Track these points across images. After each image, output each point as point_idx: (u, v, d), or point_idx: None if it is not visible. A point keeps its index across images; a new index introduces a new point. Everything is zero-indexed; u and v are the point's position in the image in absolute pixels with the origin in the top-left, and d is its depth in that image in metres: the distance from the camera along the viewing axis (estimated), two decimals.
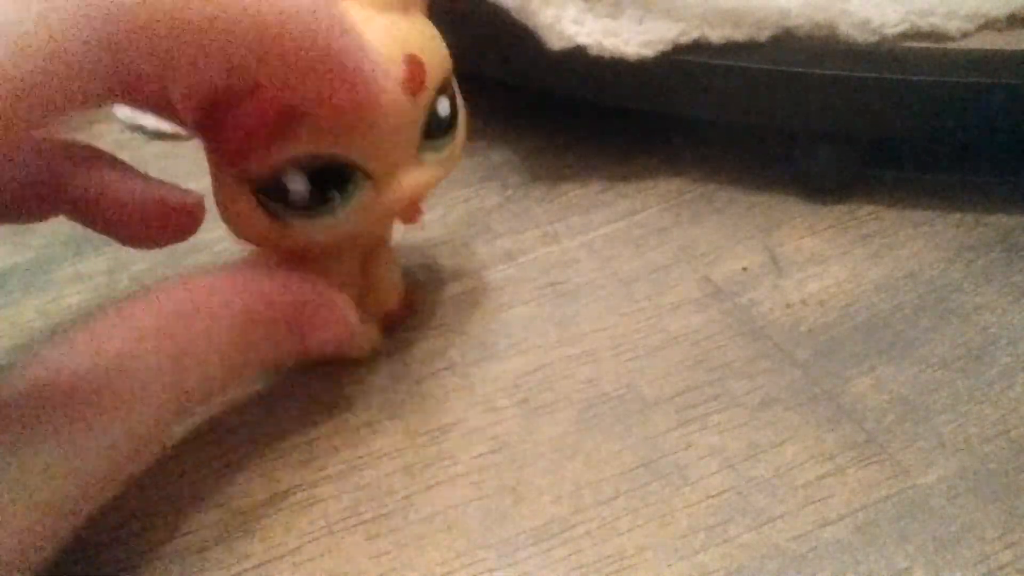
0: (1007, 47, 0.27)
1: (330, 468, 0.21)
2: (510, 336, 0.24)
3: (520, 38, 0.26)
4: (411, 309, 0.25)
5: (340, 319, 0.21)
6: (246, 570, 0.20)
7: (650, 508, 0.20)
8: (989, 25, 0.28)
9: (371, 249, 0.23)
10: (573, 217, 0.28)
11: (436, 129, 0.21)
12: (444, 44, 0.21)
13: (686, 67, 0.26)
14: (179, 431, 0.22)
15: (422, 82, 0.20)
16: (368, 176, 0.20)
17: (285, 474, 0.21)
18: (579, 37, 0.26)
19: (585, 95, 0.28)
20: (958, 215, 0.27)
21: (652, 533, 0.20)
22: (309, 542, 0.20)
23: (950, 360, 0.23)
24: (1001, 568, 0.19)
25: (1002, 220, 0.27)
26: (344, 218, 0.20)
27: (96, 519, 0.20)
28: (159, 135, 0.32)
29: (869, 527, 0.20)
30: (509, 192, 0.29)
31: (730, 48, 0.26)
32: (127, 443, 0.18)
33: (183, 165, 0.31)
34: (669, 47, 0.26)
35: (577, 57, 0.26)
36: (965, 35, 0.27)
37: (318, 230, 0.20)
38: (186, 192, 0.23)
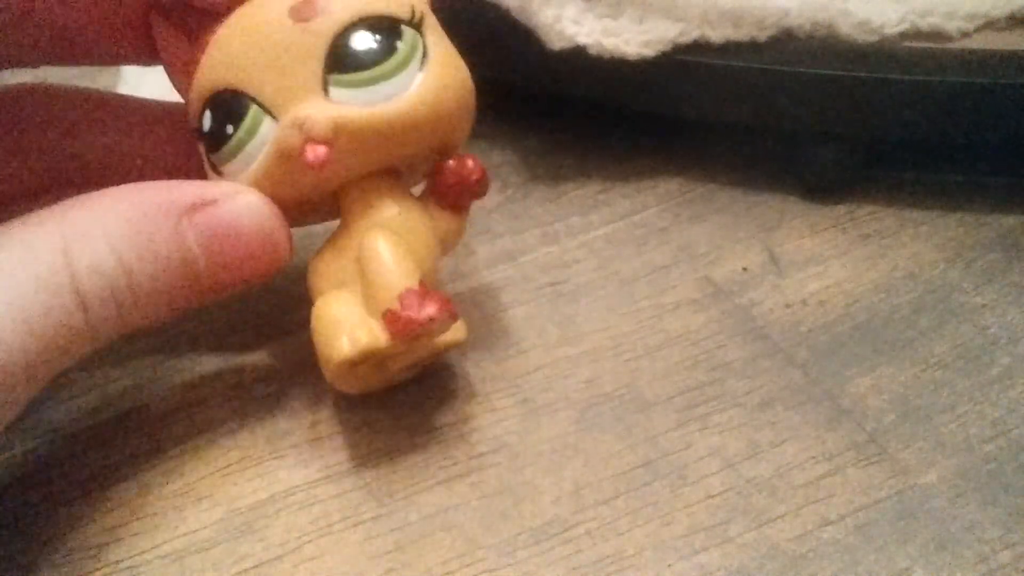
0: (1007, 47, 0.26)
1: (330, 468, 0.21)
2: (510, 336, 0.24)
3: (520, 38, 0.26)
4: (430, 312, 0.20)
5: (242, 211, 0.20)
6: (246, 570, 0.20)
7: (650, 508, 0.20)
8: (989, 25, 0.28)
9: (369, 229, 0.20)
10: (573, 217, 0.28)
11: (346, 63, 0.19)
12: None
13: (686, 67, 0.26)
14: (180, 431, 0.22)
15: (307, 8, 0.19)
16: (264, 109, 0.19)
17: (285, 474, 0.21)
18: (579, 37, 0.25)
19: (585, 95, 0.28)
20: (958, 215, 0.27)
21: (652, 533, 0.20)
22: (309, 542, 0.20)
23: (950, 360, 0.23)
24: (1001, 568, 0.19)
25: (1002, 220, 0.27)
26: (253, 156, 0.20)
27: (96, 519, 0.21)
28: None
29: (869, 527, 0.20)
30: (509, 192, 0.29)
31: (730, 48, 0.26)
32: (13, 333, 0.17)
33: None
34: (669, 47, 0.26)
35: (577, 57, 0.26)
36: (965, 35, 0.27)
37: (235, 172, 0.20)
38: None
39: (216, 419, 0.23)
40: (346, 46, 0.19)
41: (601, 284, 0.26)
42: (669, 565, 0.19)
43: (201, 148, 0.21)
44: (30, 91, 0.23)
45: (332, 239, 0.21)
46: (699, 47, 0.26)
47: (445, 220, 0.22)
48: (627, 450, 0.22)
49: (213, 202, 0.19)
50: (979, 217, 0.27)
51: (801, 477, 0.21)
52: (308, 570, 0.20)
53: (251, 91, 0.19)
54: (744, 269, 0.26)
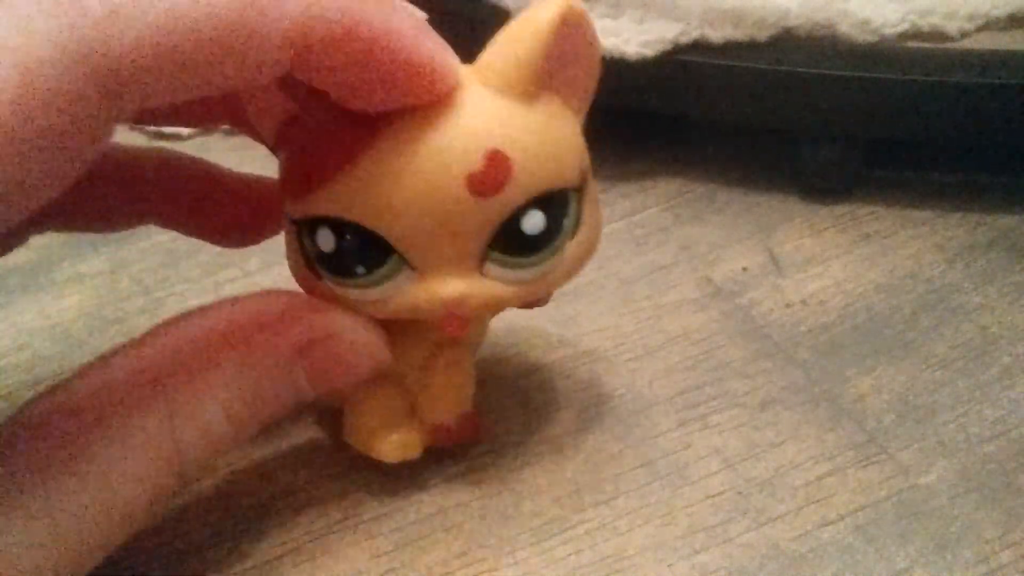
0: (1007, 47, 0.27)
1: (330, 468, 0.21)
2: (510, 336, 0.24)
3: None
4: (470, 434, 0.21)
5: (350, 342, 0.19)
6: (246, 570, 0.20)
7: (650, 508, 0.20)
8: (989, 25, 0.28)
9: (439, 344, 0.20)
10: None
11: (514, 245, 0.17)
12: (576, 151, 0.18)
13: (686, 67, 0.26)
14: None
15: (498, 184, 0.17)
16: (407, 263, 0.17)
17: (285, 474, 0.21)
18: None
19: None
20: (958, 215, 0.27)
21: (652, 533, 0.20)
22: (309, 542, 0.20)
23: (950, 360, 0.23)
24: (1001, 568, 0.19)
25: (1002, 220, 0.27)
26: (370, 296, 0.18)
27: None
28: (159, 135, 0.32)
29: (869, 527, 0.20)
30: None
31: (730, 48, 0.26)
32: (109, 510, 0.16)
33: None
34: (669, 47, 0.26)
35: None
36: (965, 35, 0.27)
37: (346, 296, 0.18)
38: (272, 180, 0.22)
39: None
40: (516, 228, 0.17)
41: (601, 284, 0.26)
42: (669, 565, 0.19)
43: (294, 237, 0.18)
44: (154, 155, 0.22)
45: (399, 329, 0.19)
46: (699, 47, 0.26)
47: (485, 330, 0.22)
48: (627, 450, 0.22)
49: (326, 338, 0.18)
50: (979, 217, 0.27)
51: (801, 477, 0.21)
52: (308, 570, 0.20)
53: (395, 243, 0.17)
54: (744, 269, 0.26)
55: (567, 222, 0.18)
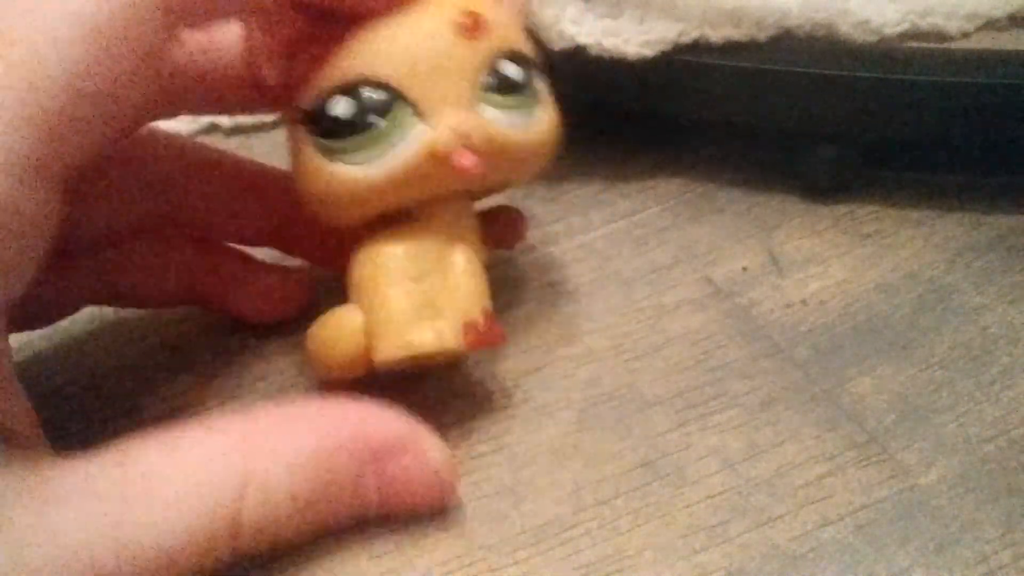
0: (1007, 47, 0.27)
1: None
2: (510, 336, 0.24)
3: None
4: (496, 334, 0.21)
5: (427, 462, 0.19)
6: (246, 570, 0.20)
7: (650, 508, 0.20)
8: (989, 25, 0.28)
9: (452, 237, 0.21)
10: (573, 217, 0.28)
11: (499, 85, 0.21)
12: (524, 35, 0.22)
13: (686, 67, 0.26)
14: None
15: (476, 27, 0.20)
16: (413, 108, 0.20)
17: None
18: (579, 37, 0.26)
19: (585, 95, 0.28)
20: (958, 215, 0.27)
21: (652, 533, 0.20)
22: (309, 542, 0.20)
23: (950, 360, 0.23)
24: (1001, 568, 0.19)
25: (1002, 220, 0.27)
26: (390, 150, 0.20)
27: None
28: None
29: (869, 527, 0.20)
30: (509, 192, 0.29)
31: (730, 48, 0.26)
32: (164, 556, 0.17)
33: None
34: (669, 47, 0.26)
35: (577, 57, 0.26)
36: (965, 35, 0.28)
37: (369, 166, 0.20)
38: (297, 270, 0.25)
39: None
40: (499, 71, 0.21)
41: (601, 284, 0.26)
42: (669, 565, 0.19)
43: (308, 134, 0.20)
44: (150, 135, 0.23)
45: (401, 234, 0.21)
46: (699, 47, 0.26)
47: (486, 252, 0.22)
48: (627, 450, 0.22)
49: (403, 451, 0.19)
50: (979, 217, 0.27)
51: (801, 477, 0.21)
52: (308, 570, 0.19)
53: (403, 89, 0.20)
54: (744, 269, 0.26)
55: (535, 82, 0.22)
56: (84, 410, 0.23)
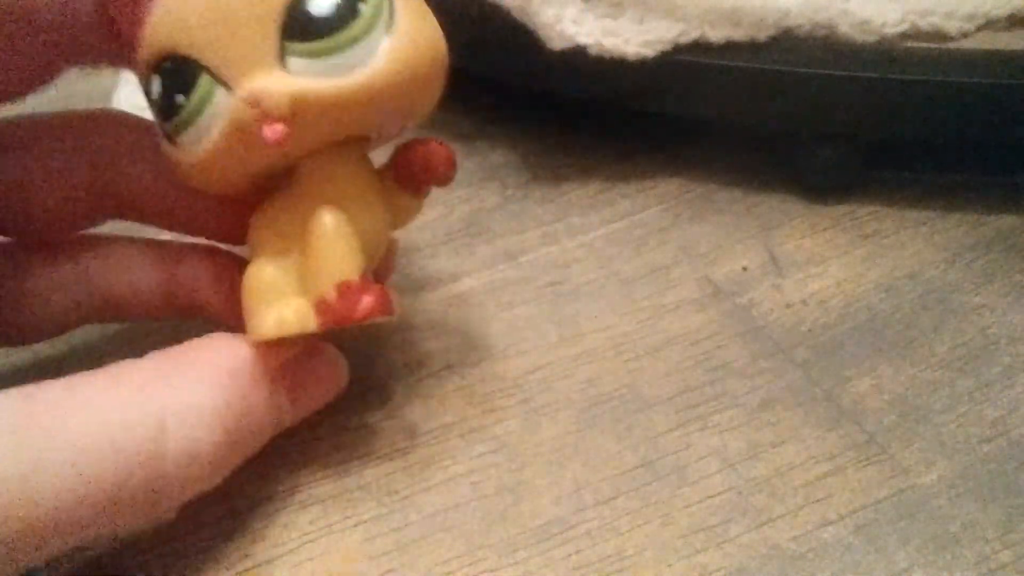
0: (1007, 47, 0.26)
1: (330, 468, 0.21)
2: (510, 336, 0.24)
3: (520, 38, 0.26)
4: (355, 308, 0.19)
5: (332, 371, 0.21)
6: (246, 570, 0.20)
7: (650, 508, 0.20)
8: (989, 25, 0.28)
9: (312, 206, 0.19)
10: (573, 217, 0.28)
11: (303, 29, 0.17)
12: None
13: (686, 67, 0.26)
14: None
15: None
16: (216, 79, 0.17)
17: (285, 474, 0.21)
18: (579, 37, 0.25)
19: (585, 95, 0.28)
20: (958, 215, 0.27)
21: (652, 533, 0.20)
22: (309, 542, 0.20)
23: (950, 360, 0.23)
24: (1001, 568, 0.19)
25: (1002, 220, 0.27)
26: (206, 128, 0.18)
27: None
28: None
29: (869, 527, 0.20)
30: (509, 192, 0.29)
31: (730, 48, 0.26)
32: (80, 462, 0.16)
33: None
34: (669, 47, 0.26)
35: (577, 57, 0.26)
36: (965, 35, 0.27)
37: (190, 143, 0.18)
38: None
39: None
40: (303, 10, 0.17)
41: (601, 284, 0.26)
42: (669, 565, 0.19)
43: (154, 117, 0.19)
44: (101, 115, 0.22)
45: (282, 196, 0.20)
46: (699, 47, 0.26)
47: (403, 199, 0.21)
48: (627, 450, 0.22)
49: (302, 359, 0.20)
50: (979, 217, 0.27)
51: (801, 477, 0.21)
52: (308, 570, 0.20)
53: (202, 58, 0.17)
54: (744, 269, 0.26)
55: (365, 8, 0.17)
56: None
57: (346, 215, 0.19)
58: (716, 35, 0.26)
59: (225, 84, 0.17)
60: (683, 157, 0.29)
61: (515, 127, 0.31)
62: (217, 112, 0.18)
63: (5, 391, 0.17)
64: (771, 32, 0.26)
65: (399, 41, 0.18)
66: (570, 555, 0.20)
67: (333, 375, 0.21)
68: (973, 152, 0.28)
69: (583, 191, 0.29)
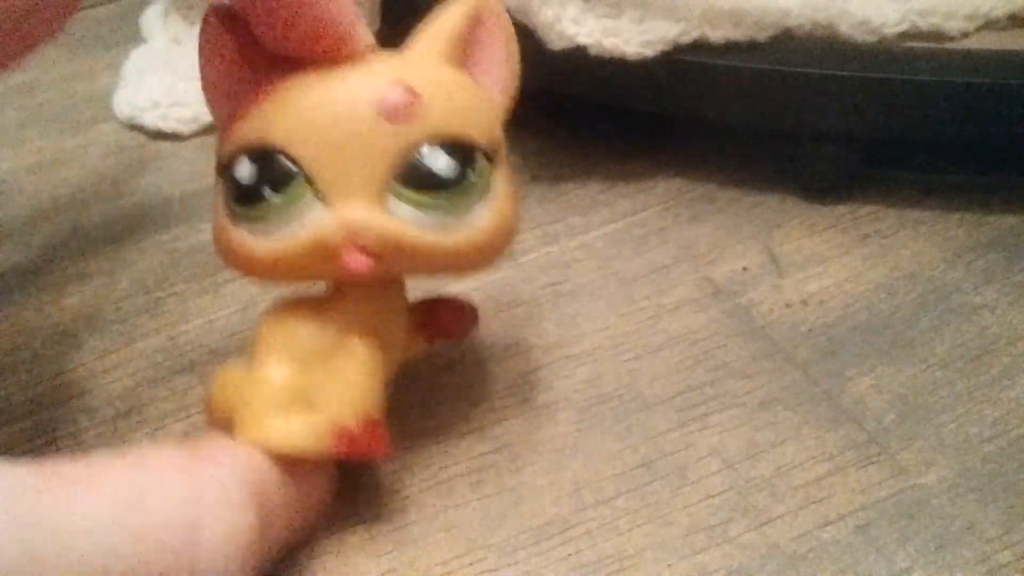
0: (1007, 47, 0.27)
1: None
2: (511, 336, 0.24)
3: (520, 38, 0.26)
4: (374, 446, 0.19)
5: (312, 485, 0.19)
6: None
7: (650, 508, 0.20)
8: (989, 25, 0.28)
9: (345, 328, 0.19)
10: (573, 217, 0.28)
11: (417, 179, 0.18)
12: (486, 120, 0.19)
13: (686, 67, 0.26)
14: (179, 432, 0.22)
15: (406, 111, 0.18)
16: (313, 189, 0.18)
17: None
18: (579, 37, 0.26)
19: (585, 95, 0.28)
20: (958, 215, 0.27)
21: (652, 533, 0.20)
22: (309, 542, 0.20)
23: (950, 360, 0.23)
24: (1001, 568, 0.19)
25: (1002, 220, 0.27)
26: (280, 236, 0.18)
27: None
28: (159, 135, 0.32)
29: (869, 527, 0.20)
30: None
31: (730, 48, 0.26)
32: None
33: (183, 165, 0.31)
34: (669, 47, 0.26)
35: (577, 57, 0.26)
36: (965, 35, 0.27)
37: (262, 239, 0.18)
38: None
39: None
40: (421, 161, 0.18)
41: (601, 284, 0.26)
42: (669, 565, 0.19)
43: (220, 187, 0.19)
44: None
45: (312, 303, 0.19)
46: (699, 47, 0.26)
47: (417, 342, 0.21)
48: (627, 450, 0.22)
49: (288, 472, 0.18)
50: (979, 217, 0.27)
51: (801, 477, 0.21)
52: (309, 570, 0.19)
53: (305, 164, 0.18)
54: (744, 269, 0.26)
55: (474, 177, 0.18)
56: (83, 410, 0.23)
57: (379, 345, 0.19)
58: (716, 35, 0.26)
59: (322, 198, 0.18)
60: (683, 157, 0.29)
61: (515, 127, 0.31)
62: (303, 220, 0.18)
63: (17, 463, 0.15)
64: (771, 32, 0.26)
65: (494, 210, 0.19)
66: (570, 555, 0.20)
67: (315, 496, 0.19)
68: (973, 152, 0.28)
69: (583, 191, 0.29)
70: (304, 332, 0.19)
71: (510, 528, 0.20)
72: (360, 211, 0.18)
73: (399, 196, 0.18)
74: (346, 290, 0.19)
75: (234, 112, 0.19)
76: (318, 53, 0.18)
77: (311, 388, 0.18)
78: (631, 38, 0.26)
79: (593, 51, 0.26)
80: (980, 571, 0.19)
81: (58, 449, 0.22)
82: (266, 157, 0.18)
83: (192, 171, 0.31)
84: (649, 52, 0.26)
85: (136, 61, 0.34)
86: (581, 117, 0.31)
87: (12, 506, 0.14)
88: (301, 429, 0.18)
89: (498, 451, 0.22)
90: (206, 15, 0.19)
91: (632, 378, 0.23)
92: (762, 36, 0.26)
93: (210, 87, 0.20)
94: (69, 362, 0.24)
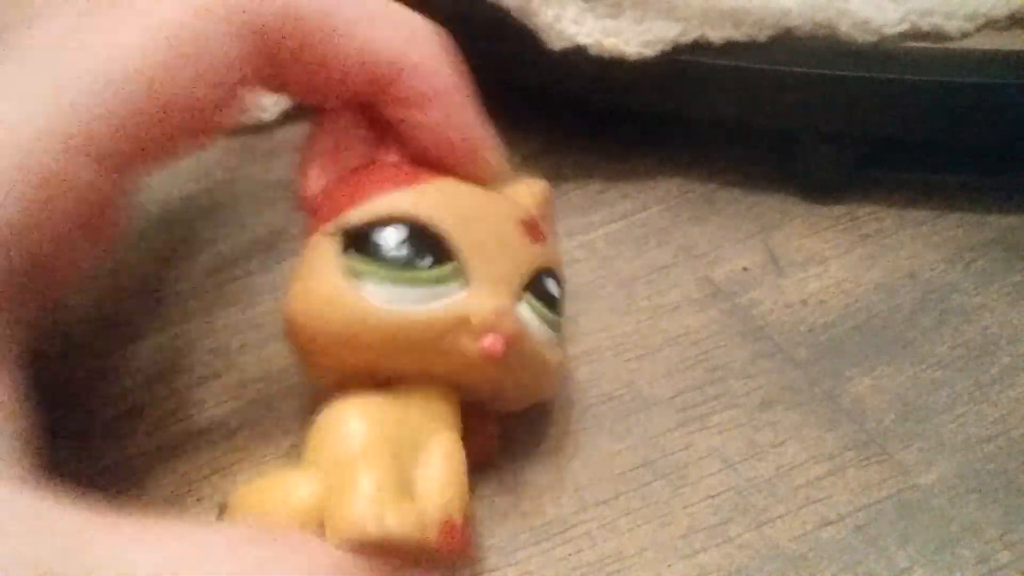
0: (1007, 47, 0.26)
1: None
2: None
3: (520, 38, 0.26)
4: (466, 542, 0.18)
5: None
6: None
7: (650, 508, 0.20)
8: (989, 25, 0.28)
9: (432, 423, 0.19)
10: (573, 217, 0.28)
11: (541, 291, 0.20)
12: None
13: (686, 67, 0.26)
14: (180, 431, 0.22)
15: (538, 234, 0.21)
16: (461, 273, 0.19)
17: None
18: (579, 37, 0.25)
19: (585, 95, 0.28)
20: (958, 215, 0.27)
21: (652, 533, 0.20)
22: None
23: (950, 360, 0.23)
24: (1001, 568, 0.19)
25: (1002, 220, 0.27)
26: (420, 296, 0.18)
27: None
28: None
29: (869, 527, 0.20)
30: None
31: (730, 48, 0.26)
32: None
33: (184, 165, 0.31)
34: (669, 47, 0.26)
35: (577, 57, 0.26)
36: (965, 35, 0.27)
37: (393, 296, 0.18)
38: None
39: (216, 419, 0.23)
40: (544, 282, 0.20)
41: (601, 284, 0.26)
42: (669, 565, 0.19)
43: (337, 250, 0.19)
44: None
45: (383, 403, 0.19)
46: (699, 47, 0.26)
47: None
48: (627, 450, 0.22)
49: None
50: (979, 217, 0.27)
51: (801, 477, 0.21)
52: None
53: (461, 251, 0.19)
54: (744, 269, 0.26)
55: (561, 308, 0.21)
56: (86, 410, 0.23)
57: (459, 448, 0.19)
58: (716, 35, 0.26)
59: (466, 282, 0.19)
60: (683, 157, 0.29)
61: (515, 127, 0.31)
62: (445, 297, 0.19)
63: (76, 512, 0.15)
64: (771, 32, 0.26)
65: (561, 349, 0.21)
66: (570, 555, 0.20)
67: None
68: (973, 152, 0.28)
69: (583, 191, 0.29)
70: (385, 426, 0.18)
71: (510, 528, 0.20)
72: (504, 299, 0.19)
73: (528, 303, 0.20)
74: (418, 387, 0.19)
75: (336, 187, 0.20)
76: (467, 172, 0.21)
77: (404, 482, 0.17)
78: (631, 38, 0.26)
79: (593, 51, 0.26)
80: (980, 571, 0.19)
81: (57, 448, 0.22)
82: (424, 232, 0.19)
83: (192, 171, 0.31)
84: (649, 52, 0.26)
85: None
86: (581, 117, 0.31)
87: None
88: (409, 516, 0.17)
89: (498, 451, 0.22)
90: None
91: (632, 378, 0.23)
92: (762, 36, 0.26)
93: (317, 158, 0.21)
94: (69, 362, 0.24)
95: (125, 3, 0.18)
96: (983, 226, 0.27)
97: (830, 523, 0.20)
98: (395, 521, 0.16)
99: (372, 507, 0.16)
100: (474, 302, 0.19)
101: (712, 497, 0.20)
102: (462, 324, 0.18)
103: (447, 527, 0.17)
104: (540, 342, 0.20)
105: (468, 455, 0.19)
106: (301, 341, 0.19)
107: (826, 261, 0.26)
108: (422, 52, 0.20)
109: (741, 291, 0.25)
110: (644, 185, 0.29)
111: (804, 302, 0.25)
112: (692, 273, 0.26)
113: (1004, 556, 0.19)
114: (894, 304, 0.25)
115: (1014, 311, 0.24)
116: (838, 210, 0.27)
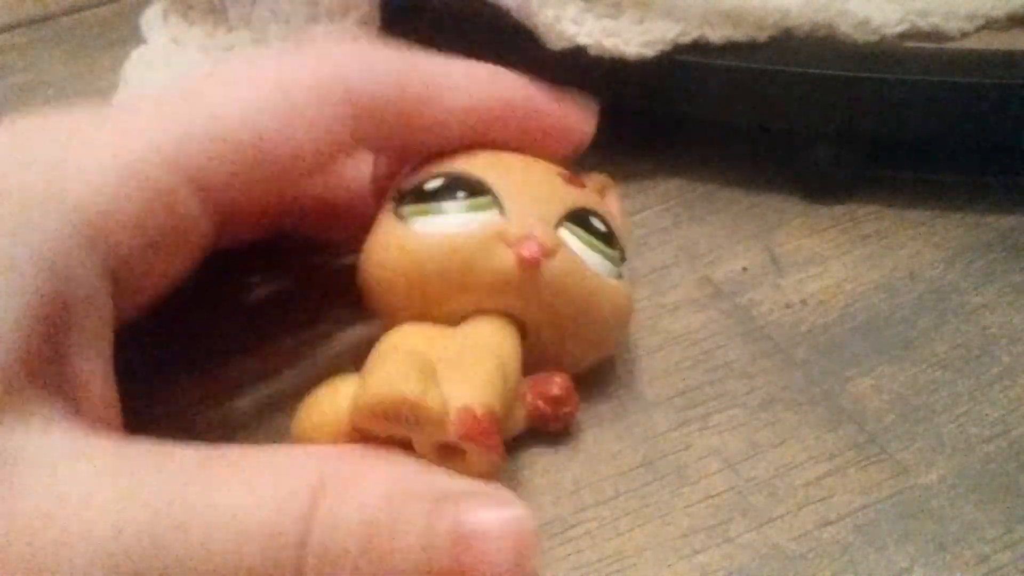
0: (1007, 47, 0.27)
1: None
2: None
3: (520, 38, 0.26)
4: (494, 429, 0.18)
5: (507, 518, 0.17)
6: None
7: (650, 508, 0.20)
8: (989, 25, 0.28)
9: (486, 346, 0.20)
10: None
11: (583, 220, 0.21)
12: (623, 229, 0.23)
13: (686, 67, 0.26)
14: (180, 431, 0.22)
15: (579, 182, 0.22)
16: (498, 204, 0.20)
17: None
18: (579, 37, 0.25)
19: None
20: (958, 215, 0.27)
21: (652, 533, 0.20)
22: None
23: (950, 360, 0.23)
24: (1001, 568, 0.19)
25: (1002, 220, 0.27)
26: (460, 220, 0.20)
27: None
28: None
29: (869, 527, 0.20)
30: None
31: (730, 48, 0.26)
32: None
33: None
34: (669, 47, 0.26)
35: (577, 57, 0.26)
36: (965, 35, 0.28)
37: (437, 226, 0.20)
38: None
39: (216, 419, 0.23)
40: (589, 217, 0.21)
41: None
42: (669, 565, 0.19)
43: (392, 207, 0.21)
44: None
45: (434, 328, 0.20)
46: (699, 47, 0.26)
47: (520, 414, 0.21)
48: (627, 450, 0.22)
49: (481, 503, 0.17)
50: (979, 217, 0.27)
51: (801, 477, 0.21)
52: None
53: (496, 189, 0.20)
54: (744, 269, 0.26)
55: (618, 249, 0.22)
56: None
57: (508, 355, 0.20)
58: (716, 35, 0.26)
59: (502, 211, 0.20)
60: (683, 157, 0.29)
61: None
62: (482, 220, 0.20)
63: (140, 445, 0.17)
64: (771, 32, 0.26)
65: (627, 296, 0.22)
66: (570, 555, 0.20)
67: (508, 538, 0.17)
68: (973, 152, 0.28)
69: None
70: (428, 336, 0.20)
71: None
72: (538, 229, 0.20)
73: (569, 230, 0.21)
74: (472, 325, 0.20)
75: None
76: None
77: (440, 374, 0.18)
78: (631, 38, 0.26)
79: (593, 51, 0.26)
80: (980, 571, 0.19)
81: None
82: (462, 177, 0.21)
83: None
84: (649, 52, 0.26)
85: (136, 61, 0.34)
86: None
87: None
88: (431, 390, 0.17)
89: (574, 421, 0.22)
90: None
91: (632, 378, 0.23)
92: (762, 36, 0.26)
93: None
94: None
95: (253, 63, 0.20)
96: (983, 226, 0.27)
97: (830, 523, 0.20)
98: (416, 388, 0.17)
99: (399, 371, 0.18)
100: (510, 220, 0.20)
101: (712, 497, 0.20)
102: (499, 236, 0.20)
103: (466, 413, 0.18)
104: (590, 270, 0.21)
105: (541, 420, 0.21)
106: (369, 285, 0.21)
107: (826, 261, 0.26)
108: (504, 85, 0.23)
109: (741, 291, 0.25)
110: (644, 185, 0.29)
111: (804, 302, 0.25)
112: (692, 273, 0.26)
113: (1004, 556, 0.19)
114: (894, 304, 0.25)
115: (1014, 311, 0.24)
116: (838, 210, 0.27)
